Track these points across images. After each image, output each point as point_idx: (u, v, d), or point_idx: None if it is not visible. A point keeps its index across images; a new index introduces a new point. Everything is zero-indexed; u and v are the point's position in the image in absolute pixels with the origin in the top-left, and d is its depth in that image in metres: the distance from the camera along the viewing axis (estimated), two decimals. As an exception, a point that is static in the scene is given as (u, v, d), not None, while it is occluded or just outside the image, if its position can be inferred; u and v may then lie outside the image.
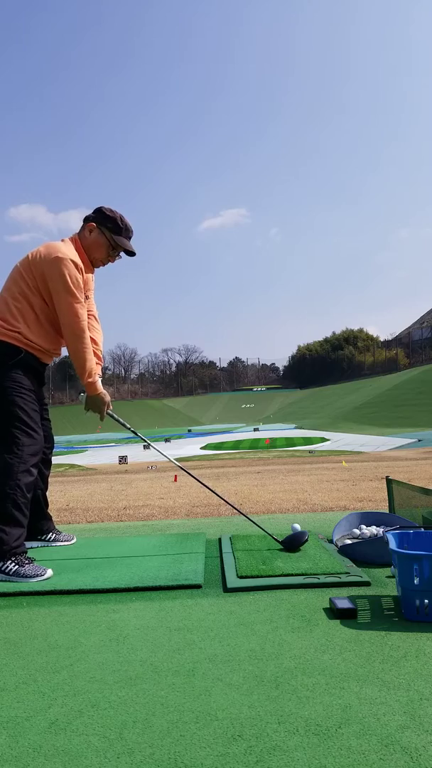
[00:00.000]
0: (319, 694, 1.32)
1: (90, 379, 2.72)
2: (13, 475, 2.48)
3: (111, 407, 2.86)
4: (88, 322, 2.95)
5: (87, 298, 2.89)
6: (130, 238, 2.80)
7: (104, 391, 2.79)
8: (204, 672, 1.47)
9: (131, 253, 2.84)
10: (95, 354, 2.90)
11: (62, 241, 2.72)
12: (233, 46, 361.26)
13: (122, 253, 2.84)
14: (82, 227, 2.76)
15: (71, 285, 2.56)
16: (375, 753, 1.07)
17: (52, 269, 2.55)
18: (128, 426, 2.97)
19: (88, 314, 2.96)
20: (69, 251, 2.60)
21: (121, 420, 2.93)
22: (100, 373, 2.89)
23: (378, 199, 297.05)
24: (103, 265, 2.83)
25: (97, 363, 2.88)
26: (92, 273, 2.84)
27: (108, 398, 2.81)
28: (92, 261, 2.78)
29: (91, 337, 2.91)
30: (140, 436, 3.16)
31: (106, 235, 2.73)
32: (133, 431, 2.98)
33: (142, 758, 1.09)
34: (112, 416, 2.87)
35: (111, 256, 2.79)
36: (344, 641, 1.63)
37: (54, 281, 2.56)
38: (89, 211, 2.80)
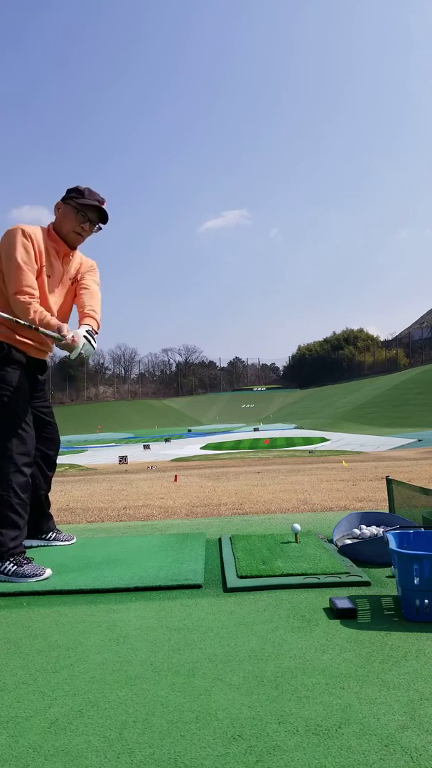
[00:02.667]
0: (319, 694, 1.32)
1: (35, 316, 2.50)
2: (4, 477, 2.47)
3: (64, 331, 2.53)
4: (80, 292, 2.82)
5: (76, 281, 2.82)
6: (96, 200, 2.72)
7: (62, 324, 2.56)
8: (204, 672, 1.47)
9: (103, 215, 2.74)
10: (83, 313, 2.74)
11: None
12: (233, 46, 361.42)
13: (100, 225, 2.77)
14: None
15: (16, 248, 2.51)
16: (375, 753, 1.07)
17: (2, 241, 2.56)
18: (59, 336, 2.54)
19: (83, 287, 2.83)
20: (24, 225, 2.60)
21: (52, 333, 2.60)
22: (88, 323, 2.68)
23: (378, 199, 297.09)
24: (81, 237, 2.74)
25: (85, 316, 2.72)
26: (71, 252, 2.75)
27: (66, 328, 2.55)
28: (67, 237, 2.70)
29: (82, 301, 2.78)
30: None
31: (71, 203, 2.68)
32: (57, 336, 2.54)
33: (142, 758, 1.09)
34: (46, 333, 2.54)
35: (82, 222, 2.70)
36: (344, 641, 1.63)
37: (3, 250, 2.55)
38: None
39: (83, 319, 2.72)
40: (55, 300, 2.73)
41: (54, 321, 2.55)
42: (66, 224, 2.69)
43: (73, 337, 2.54)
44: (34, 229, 2.61)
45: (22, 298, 2.50)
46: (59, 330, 2.52)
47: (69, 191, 2.73)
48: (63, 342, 2.52)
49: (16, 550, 2.46)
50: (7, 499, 2.47)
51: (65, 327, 2.55)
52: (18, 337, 2.61)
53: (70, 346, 2.53)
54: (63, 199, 2.72)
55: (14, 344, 2.60)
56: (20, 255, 2.52)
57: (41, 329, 2.50)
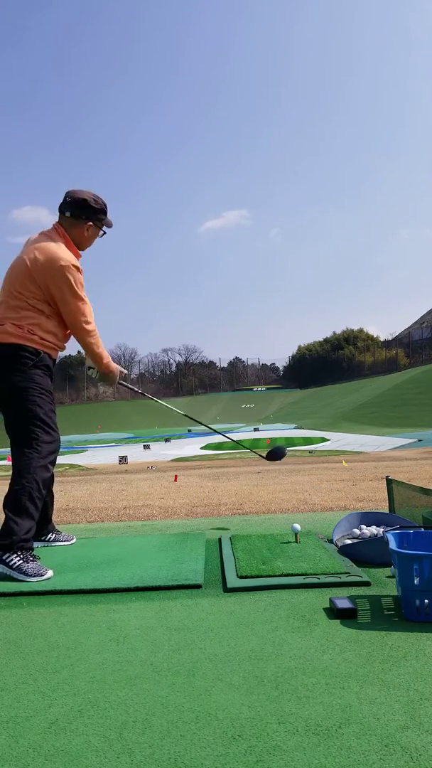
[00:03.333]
0: (319, 694, 1.32)
1: (105, 362, 2.89)
2: (31, 469, 2.55)
3: (122, 373, 3.04)
4: None
5: None
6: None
7: (116, 368, 2.98)
8: (204, 672, 1.47)
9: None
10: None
11: (49, 238, 2.69)
12: (233, 46, 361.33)
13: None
14: (72, 223, 2.73)
15: (77, 290, 2.64)
16: (375, 753, 1.07)
17: (56, 278, 2.59)
18: (139, 390, 3.24)
19: None
20: (67, 255, 2.64)
21: (133, 387, 3.20)
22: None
23: (378, 199, 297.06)
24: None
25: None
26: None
27: (118, 371, 2.99)
28: (86, 248, 2.85)
29: None
30: (161, 403, 3.47)
31: (99, 225, 2.81)
32: (142, 393, 3.26)
33: (142, 758, 1.09)
34: (124, 384, 3.09)
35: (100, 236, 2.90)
36: (344, 641, 1.63)
37: (59, 289, 2.61)
38: None
39: None
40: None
41: (113, 364, 2.97)
42: (89, 242, 2.84)
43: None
44: (74, 258, 2.68)
45: (96, 345, 2.81)
46: (117, 373, 2.98)
47: (94, 209, 2.75)
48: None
49: (26, 544, 2.48)
50: (30, 491, 2.52)
51: (117, 369, 2.97)
52: (48, 344, 2.71)
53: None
54: (93, 221, 2.76)
55: (45, 350, 2.70)
56: (83, 293, 2.68)
57: (126, 384, 3.08)
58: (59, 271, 2.58)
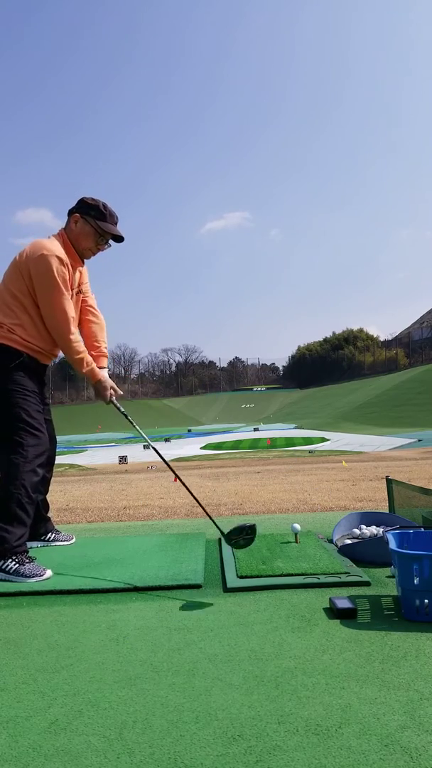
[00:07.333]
0: (319, 694, 1.32)
1: (86, 369, 2.74)
2: (18, 475, 2.51)
3: (116, 393, 2.87)
4: (88, 317, 2.97)
5: (80, 291, 2.87)
6: (115, 223, 2.77)
7: (105, 378, 2.81)
8: (204, 672, 1.47)
9: (119, 239, 2.80)
10: (99, 350, 2.94)
11: (49, 238, 2.70)
12: (234, 47, 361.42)
13: (111, 242, 2.81)
14: (68, 221, 2.73)
15: (57, 280, 2.56)
16: (375, 753, 1.07)
17: (37, 267, 2.56)
18: (128, 417, 2.90)
19: (87, 307, 2.96)
20: (54, 247, 2.60)
21: (123, 409, 2.90)
22: (105, 365, 2.94)
23: (378, 199, 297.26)
24: (93, 254, 2.80)
25: (101, 355, 2.93)
26: (82, 265, 2.81)
27: (109, 383, 2.82)
28: (81, 252, 2.75)
29: (93, 331, 2.96)
30: (139, 431, 2.98)
31: (91, 223, 2.69)
32: (131, 421, 2.90)
33: (142, 758, 1.09)
34: (114, 404, 2.89)
35: (99, 243, 2.76)
36: (344, 641, 1.63)
37: (38, 277, 2.56)
38: None
39: (100, 359, 2.93)
40: (74, 312, 2.78)
41: (96, 370, 2.78)
42: (83, 242, 2.72)
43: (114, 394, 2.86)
44: (62, 251, 2.61)
45: (75, 345, 2.68)
46: (109, 389, 2.81)
47: (88, 206, 2.70)
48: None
49: (20, 548, 2.48)
50: (18, 497, 2.50)
51: (106, 380, 2.81)
52: (33, 346, 2.66)
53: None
54: (81, 213, 2.69)
55: (29, 353, 2.66)
56: (62, 288, 2.59)
57: (117, 405, 2.87)
58: (41, 258, 2.55)
